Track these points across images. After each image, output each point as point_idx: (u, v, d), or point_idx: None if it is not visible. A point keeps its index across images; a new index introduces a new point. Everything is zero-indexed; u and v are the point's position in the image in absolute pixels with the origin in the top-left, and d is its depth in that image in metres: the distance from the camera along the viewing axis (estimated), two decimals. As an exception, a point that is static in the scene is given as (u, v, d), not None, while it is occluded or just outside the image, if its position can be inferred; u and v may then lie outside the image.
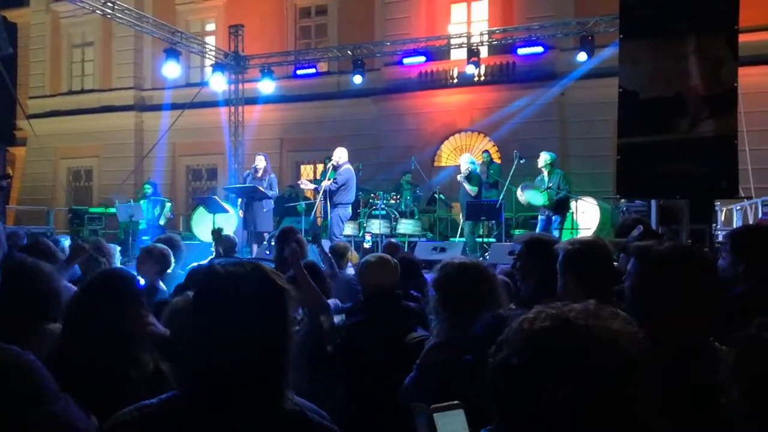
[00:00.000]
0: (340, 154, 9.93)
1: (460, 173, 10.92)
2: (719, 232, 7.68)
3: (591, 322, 0.97)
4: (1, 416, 1.47)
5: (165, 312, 2.39)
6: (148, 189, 12.26)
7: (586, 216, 11.20)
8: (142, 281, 2.31)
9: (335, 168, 9.85)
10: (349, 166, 9.91)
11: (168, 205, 12.70)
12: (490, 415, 1.74)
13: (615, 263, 3.46)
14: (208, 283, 1.42)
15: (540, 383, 0.94)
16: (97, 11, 12.41)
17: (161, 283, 4.03)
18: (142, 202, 12.12)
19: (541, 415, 0.95)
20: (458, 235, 11.40)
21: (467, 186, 10.70)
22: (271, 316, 1.39)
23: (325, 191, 9.69)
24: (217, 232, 5.86)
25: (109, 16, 12.66)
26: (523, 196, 9.91)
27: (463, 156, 11.90)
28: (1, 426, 1.47)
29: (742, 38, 5.75)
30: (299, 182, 11.86)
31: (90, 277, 2.30)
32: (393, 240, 7.91)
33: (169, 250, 4.25)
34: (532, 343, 0.98)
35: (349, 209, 10.08)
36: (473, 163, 11.11)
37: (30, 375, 1.52)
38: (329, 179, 9.74)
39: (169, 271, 4.19)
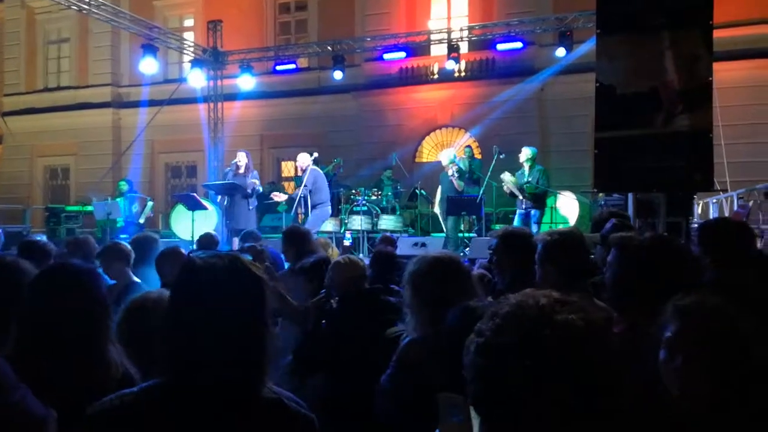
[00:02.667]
0: (303, 159, 10.04)
1: (449, 170, 10.87)
2: (696, 225, 7.79)
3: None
4: None
5: (131, 308, 2.15)
6: (124, 186, 12.10)
7: (565, 210, 11.29)
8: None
9: (303, 171, 9.97)
10: (313, 167, 9.97)
11: (150, 204, 12.57)
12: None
13: (591, 256, 3.51)
14: (186, 273, 1.43)
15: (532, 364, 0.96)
16: (73, 7, 12.24)
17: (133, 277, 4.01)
18: (119, 199, 11.98)
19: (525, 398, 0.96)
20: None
21: (456, 182, 10.74)
22: (249, 305, 1.41)
23: (301, 199, 9.74)
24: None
25: (85, 11, 12.50)
26: (512, 178, 9.96)
27: (445, 152, 11.91)
28: None
29: (717, 34, 5.84)
30: (272, 196, 11.56)
31: (42, 270, 2.05)
32: (388, 234, 8.03)
33: (127, 245, 4.22)
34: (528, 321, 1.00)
35: (328, 208, 10.11)
36: (455, 157, 11.17)
37: None
38: (299, 187, 9.85)
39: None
